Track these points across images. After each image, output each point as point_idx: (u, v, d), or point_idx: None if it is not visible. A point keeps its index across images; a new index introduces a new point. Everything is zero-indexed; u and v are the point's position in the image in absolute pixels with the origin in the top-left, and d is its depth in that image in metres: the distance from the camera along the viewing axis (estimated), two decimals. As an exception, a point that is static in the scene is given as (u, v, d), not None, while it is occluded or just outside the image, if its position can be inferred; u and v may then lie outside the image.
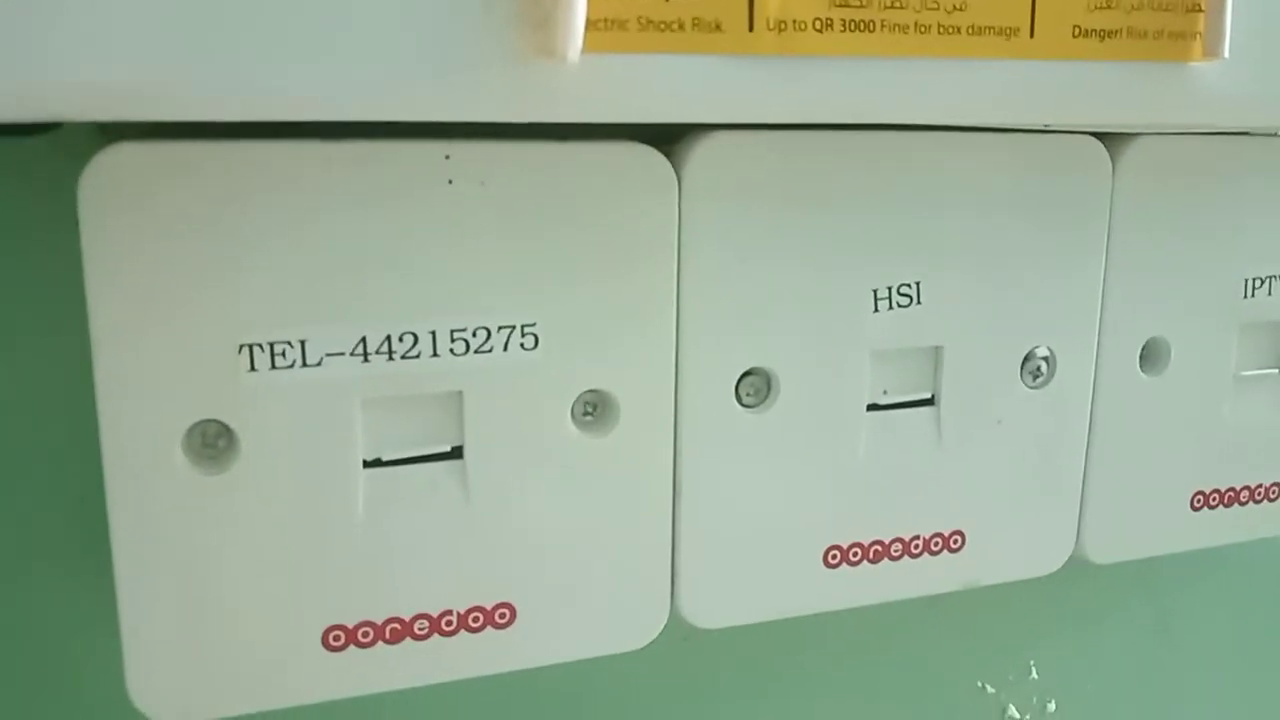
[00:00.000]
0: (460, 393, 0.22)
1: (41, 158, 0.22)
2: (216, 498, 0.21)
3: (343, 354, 0.21)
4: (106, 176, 0.19)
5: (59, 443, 0.24)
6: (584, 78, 0.16)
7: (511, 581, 0.23)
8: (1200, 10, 0.19)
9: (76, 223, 0.19)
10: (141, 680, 0.21)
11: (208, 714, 0.22)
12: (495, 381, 0.22)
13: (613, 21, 0.16)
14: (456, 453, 0.22)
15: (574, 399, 0.22)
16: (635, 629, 0.24)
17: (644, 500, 0.23)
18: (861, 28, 0.17)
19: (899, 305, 0.24)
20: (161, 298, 0.19)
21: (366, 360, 0.21)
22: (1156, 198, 0.26)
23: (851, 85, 0.17)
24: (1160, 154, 0.26)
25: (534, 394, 0.22)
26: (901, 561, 0.26)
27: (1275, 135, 0.27)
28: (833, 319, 0.24)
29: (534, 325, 0.22)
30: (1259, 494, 0.30)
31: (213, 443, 0.20)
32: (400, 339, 0.21)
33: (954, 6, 0.17)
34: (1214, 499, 0.29)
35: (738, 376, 0.24)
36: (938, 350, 0.25)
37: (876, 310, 0.24)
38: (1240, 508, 0.30)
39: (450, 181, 0.21)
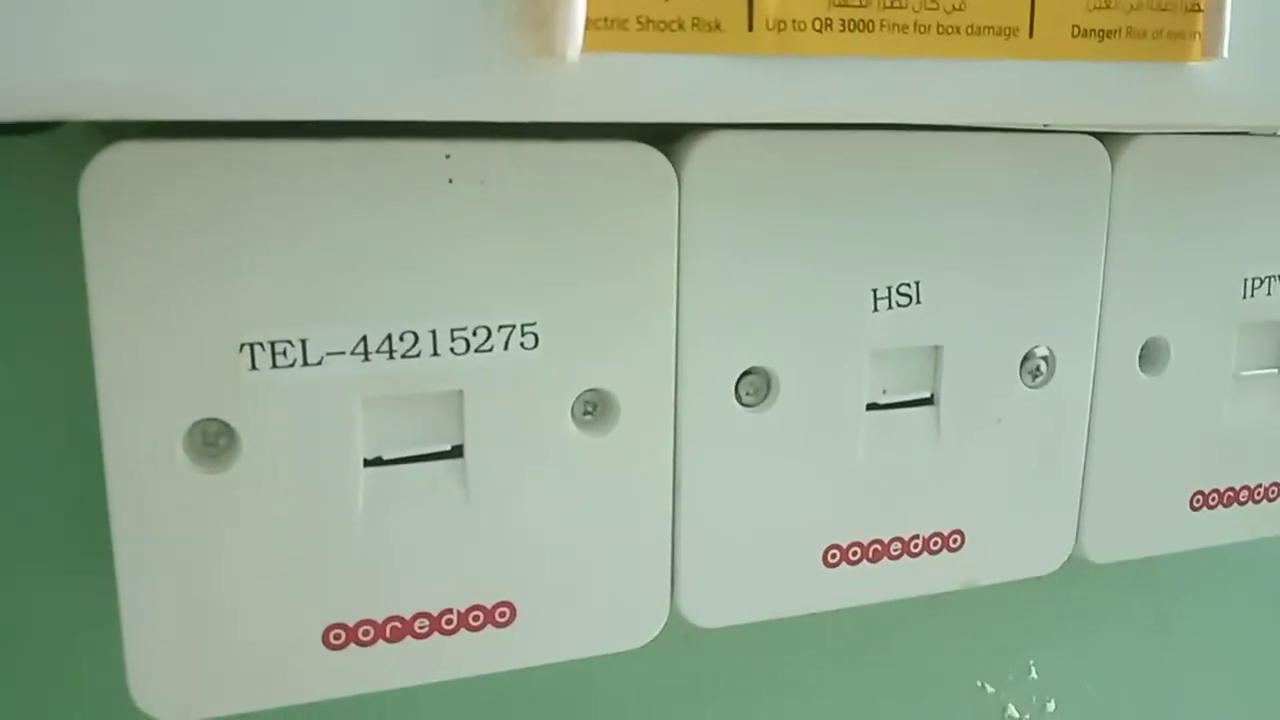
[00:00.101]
0: (460, 392, 0.22)
1: (42, 157, 0.22)
2: (217, 496, 0.21)
3: (343, 353, 0.21)
4: (107, 176, 0.19)
5: (59, 443, 0.24)
6: (584, 77, 0.16)
7: (511, 580, 0.23)
8: (1199, 10, 0.19)
9: (77, 222, 0.19)
10: (143, 679, 0.21)
11: (209, 712, 0.22)
12: (495, 381, 0.22)
13: (612, 21, 0.16)
14: (457, 452, 0.22)
15: (574, 398, 0.22)
16: (635, 628, 0.24)
17: (644, 499, 0.23)
18: (861, 27, 0.17)
19: (898, 305, 0.24)
20: (162, 297, 0.20)
21: (367, 359, 0.21)
22: (1156, 198, 0.26)
23: (851, 85, 0.17)
24: (1159, 154, 0.26)
25: (534, 393, 0.22)
26: (901, 561, 0.26)
27: (1275, 135, 0.27)
28: (832, 318, 0.24)
29: (534, 324, 0.22)
30: (1258, 494, 0.30)
31: (214, 441, 0.21)
32: (401, 338, 0.21)
33: (953, 6, 0.17)
34: (1213, 499, 0.29)
35: (737, 376, 0.24)
36: (937, 350, 0.25)
37: (876, 310, 0.24)
38: (1240, 507, 0.30)
39: (450, 181, 0.21)
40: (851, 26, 0.17)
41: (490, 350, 0.22)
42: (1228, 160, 0.27)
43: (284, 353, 0.20)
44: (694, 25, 0.16)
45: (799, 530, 0.25)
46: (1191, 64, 0.19)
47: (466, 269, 0.21)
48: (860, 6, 0.17)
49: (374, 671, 0.22)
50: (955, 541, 0.26)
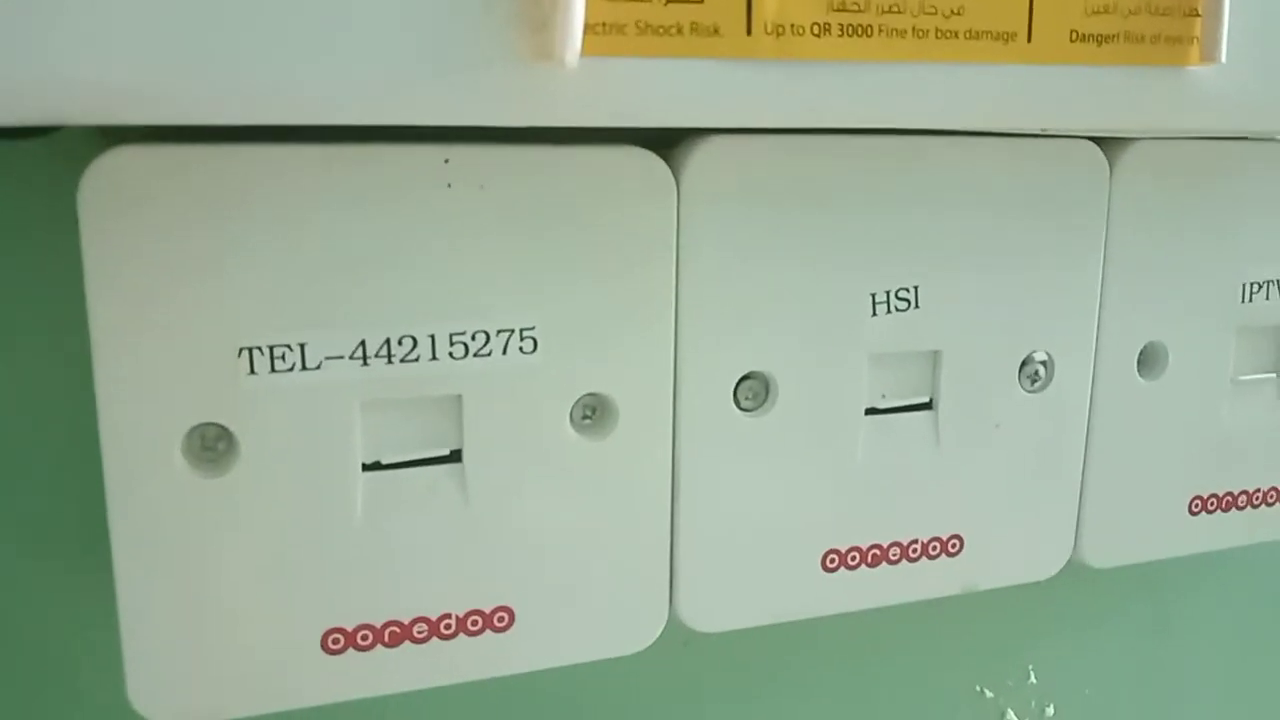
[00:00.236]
0: (459, 396, 0.22)
1: (41, 161, 0.22)
2: (216, 501, 0.21)
3: (342, 357, 0.21)
4: (107, 180, 0.19)
5: (59, 444, 0.24)
6: (582, 81, 0.16)
7: (510, 585, 0.23)
8: (1197, 15, 0.19)
9: (77, 226, 0.19)
10: (141, 683, 0.21)
11: (207, 717, 0.22)
12: (494, 385, 0.22)
13: (611, 25, 0.16)
14: (455, 456, 0.22)
15: (573, 402, 0.22)
16: (634, 632, 0.24)
17: (642, 504, 0.23)
18: (859, 32, 0.17)
19: (897, 309, 0.24)
20: (161, 301, 0.20)
21: (366, 364, 0.21)
22: (1154, 202, 0.26)
23: (849, 89, 0.17)
24: (1158, 158, 0.26)
25: (533, 397, 0.22)
26: (900, 565, 0.26)
27: (1273, 139, 0.27)
28: (831, 323, 0.24)
29: (533, 329, 0.22)
30: (1257, 498, 0.30)
31: (212, 445, 0.20)
32: (399, 342, 0.21)
33: (951, 11, 0.17)
34: (1212, 503, 0.29)
35: (736, 380, 0.24)
36: (936, 354, 0.25)
37: (875, 314, 0.24)
38: (1238, 512, 0.30)
39: (449, 185, 0.21)
40: (850, 31, 0.17)
41: (489, 354, 0.22)
42: (1226, 165, 0.27)
43: (283, 357, 0.20)
44: (692, 30, 0.16)
45: (798, 535, 0.25)
46: (1190, 69, 0.19)
47: (465, 273, 0.21)
48: (858, 11, 0.17)
49: (372, 676, 0.22)
50: (954, 546, 0.26)
